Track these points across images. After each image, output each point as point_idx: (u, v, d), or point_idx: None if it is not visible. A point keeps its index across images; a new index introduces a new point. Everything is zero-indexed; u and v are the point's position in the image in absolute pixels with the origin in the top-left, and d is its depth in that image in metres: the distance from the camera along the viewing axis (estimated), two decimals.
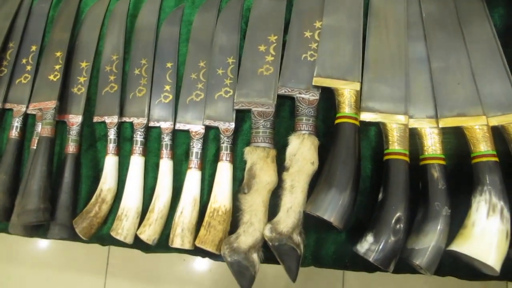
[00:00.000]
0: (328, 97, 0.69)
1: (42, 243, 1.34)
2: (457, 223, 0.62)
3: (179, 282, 1.26)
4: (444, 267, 0.65)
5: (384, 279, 1.22)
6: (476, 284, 0.78)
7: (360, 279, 1.23)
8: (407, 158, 0.64)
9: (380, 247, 0.60)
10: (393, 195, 0.62)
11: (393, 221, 0.61)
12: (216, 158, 0.70)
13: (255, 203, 0.65)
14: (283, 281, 1.18)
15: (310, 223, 0.64)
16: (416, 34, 0.71)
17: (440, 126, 0.66)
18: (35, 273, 1.32)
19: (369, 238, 0.61)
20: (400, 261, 0.61)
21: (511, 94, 0.67)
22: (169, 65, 0.75)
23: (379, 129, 0.68)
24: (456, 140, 0.68)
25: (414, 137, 0.67)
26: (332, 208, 0.61)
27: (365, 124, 0.68)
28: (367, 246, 0.61)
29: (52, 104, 0.71)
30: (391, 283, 1.22)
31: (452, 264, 0.65)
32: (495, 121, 0.66)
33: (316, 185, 0.63)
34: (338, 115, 0.66)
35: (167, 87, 0.73)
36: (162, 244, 0.68)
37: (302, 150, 0.65)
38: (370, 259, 0.60)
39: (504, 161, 0.66)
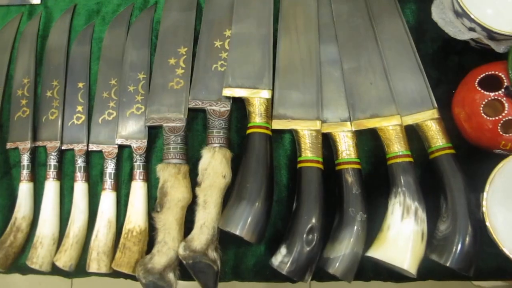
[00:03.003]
0: (241, 106, 0.68)
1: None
2: (378, 227, 0.62)
3: None
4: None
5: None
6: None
7: None
8: (320, 165, 0.63)
9: (293, 258, 0.59)
10: (306, 204, 0.61)
11: (306, 231, 0.60)
12: (131, 177, 0.68)
13: (168, 222, 0.64)
14: None
15: (229, 237, 0.63)
16: (327, 35, 0.71)
17: (353, 129, 0.65)
18: None
19: (283, 250, 0.60)
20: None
21: (424, 91, 0.67)
22: (80, 85, 0.74)
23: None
24: (373, 141, 0.67)
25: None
26: (243, 222, 0.60)
27: (280, 132, 0.68)
28: (280, 258, 0.60)
29: None
30: None
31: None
32: (409, 120, 0.66)
33: (228, 198, 0.62)
34: (249, 125, 0.65)
35: (80, 108, 0.72)
36: (82, 269, 0.67)
37: (213, 164, 0.64)
38: (284, 272, 0.59)
39: (422, 159, 0.65)
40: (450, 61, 0.71)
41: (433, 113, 0.65)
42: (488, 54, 0.64)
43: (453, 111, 0.65)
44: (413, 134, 0.66)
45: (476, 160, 0.65)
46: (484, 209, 0.58)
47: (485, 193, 0.58)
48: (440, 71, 0.70)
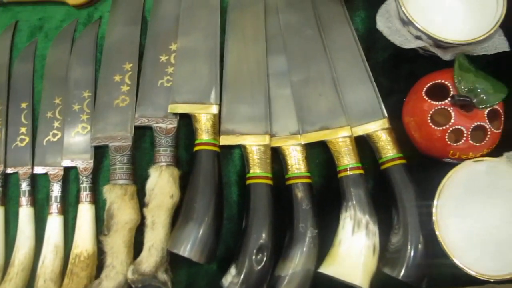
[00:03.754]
0: (189, 122, 0.67)
1: None
2: (331, 242, 0.61)
3: None
4: None
5: None
6: None
7: None
8: (269, 181, 0.63)
9: (243, 279, 0.58)
10: (255, 222, 0.60)
11: (255, 250, 0.59)
12: (78, 200, 0.66)
13: (115, 245, 0.62)
14: None
15: (180, 257, 0.61)
16: (275, 47, 0.70)
17: (303, 142, 0.64)
18: None
19: (232, 270, 0.59)
20: None
21: (375, 101, 0.66)
22: (24, 105, 0.71)
23: None
24: (324, 154, 0.66)
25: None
26: (191, 243, 0.59)
27: (229, 147, 0.66)
28: (230, 279, 0.59)
29: None
30: None
31: None
32: (359, 131, 0.65)
33: (177, 219, 0.61)
34: (196, 142, 0.64)
35: (23, 129, 0.70)
36: None
37: (161, 183, 0.63)
38: None
39: (375, 170, 0.65)
40: (401, 69, 0.70)
41: (384, 122, 0.64)
42: (439, 62, 0.64)
43: (404, 120, 0.65)
44: (366, 144, 0.65)
45: (427, 169, 0.64)
46: (434, 218, 0.57)
47: (435, 203, 0.57)
48: (392, 80, 0.69)
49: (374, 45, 0.71)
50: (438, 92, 0.61)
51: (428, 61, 0.68)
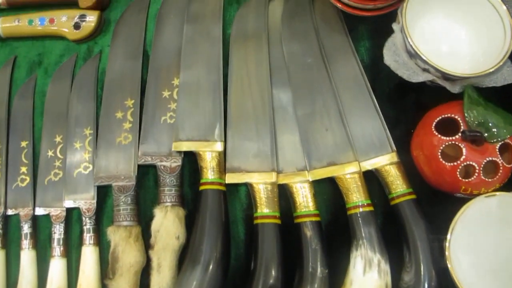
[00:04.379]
0: (194, 159, 0.65)
1: None
2: (341, 281, 0.59)
3: None
4: None
5: None
6: None
7: None
8: (277, 221, 0.61)
9: None
10: (264, 263, 0.59)
11: None
12: (82, 241, 0.65)
13: None
14: None
15: None
16: (280, 79, 0.69)
17: (310, 179, 0.63)
18: None
19: None
20: None
21: (382, 134, 0.65)
22: (24, 143, 0.70)
23: None
24: (332, 188, 0.65)
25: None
26: (199, 287, 0.57)
27: (235, 184, 0.65)
28: None
29: None
30: None
31: None
32: (368, 165, 0.64)
33: (183, 261, 0.60)
34: (201, 181, 0.63)
35: (24, 169, 0.69)
36: None
37: (166, 224, 0.61)
38: None
39: (384, 205, 0.63)
40: (408, 99, 0.69)
41: (392, 156, 0.63)
42: (446, 91, 0.63)
43: (412, 153, 0.63)
44: (374, 177, 0.64)
45: (438, 204, 0.63)
46: (447, 253, 0.56)
47: (448, 237, 0.56)
48: (398, 110, 0.68)
49: (379, 75, 0.69)
50: (447, 125, 0.60)
51: (435, 91, 0.67)
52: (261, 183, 0.62)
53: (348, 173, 0.62)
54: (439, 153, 0.58)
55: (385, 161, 0.63)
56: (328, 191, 0.66)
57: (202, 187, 0.62)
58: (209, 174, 0.62)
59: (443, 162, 0.58)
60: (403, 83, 0.68)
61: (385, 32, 0.68)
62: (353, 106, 0.66)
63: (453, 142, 0.58)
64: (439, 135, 0.59)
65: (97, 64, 0.73)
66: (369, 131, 0.65)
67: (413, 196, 0.61)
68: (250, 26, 0.72)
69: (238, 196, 0.66)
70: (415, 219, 0.60)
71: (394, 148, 0.63)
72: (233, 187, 0.66)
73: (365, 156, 0.64)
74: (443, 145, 0.58)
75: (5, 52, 0.77)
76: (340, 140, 0.64)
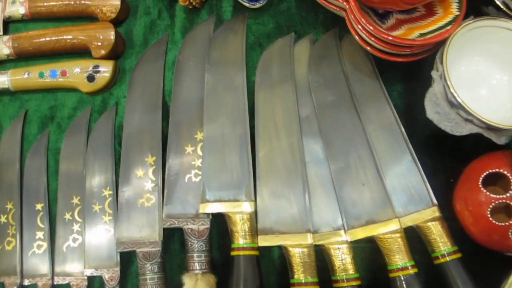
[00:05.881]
0: (222, 220, 0.61)
1: None
2: None
3: None
4: None
5: None
6: None
7: None
8: (316, 287, 0.57)
9: None
10: None
11: None
12: None
13: None
14: None
15: None
16: (310, 130, 0.65)
17: (349, 240, 0.59)
18: None
19: None
20: None
21: (421, 186, 0.61)
22: (39, 206, 0.66)
23: None
24: (371, 246, 0.61)
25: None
26: None
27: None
28: None
29: None
30: None
31: None
32: (408, 221, 0.60)
33: None
34: (232, 245, 0.59)
35: (40, 234, 0.65)
36: None
37: None
38: None
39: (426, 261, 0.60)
40: (445, 146, 0.66)
41: (433, 211, 0.59)
42: (486, 137, 0.59)
43: (455, 207, 0.60)
44: (414, 233, 0.60)
45: (486, 262, 0.59)
46: None
47: None
48: (436, 159, 0.65)
49: (414, 120, 0.66)
50: (494, 179, 0.56)
51: (475, 136, 0.63)
52: (296, 247, 0.58)
53: (389, 233, 0.58)
54: (488, 213, 0.55)
55: (426, 216, 0.59)
56: (367, 249, 0.62)
57: (233, 253, 0.59)
58: (241, 239, 0.59)
59: (493, 221, 0.55)
60: (439, 128, 0.65)
61: (418, 74, 0.65)
62: (390, 157, 0.63)
63: (504, 200, 0.54)
64: (488, 192, 0.56)
65: (113, 117, 0.70)
66: (408, 183, 0.61)
67: (458, 255, 0.58)
68: (276, 72, 0.68)
69: (270, 258, 0.63)
70: (462, 279, 0.57)
71: (435, 202, 0.60)
72: (265, 248, 0.62)
73: (404, 211, 0.60)
74: (493, 204, 0.55)
75: (15, 106, 0.73)
76: (378, 195, 0.61)
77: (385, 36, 0.58)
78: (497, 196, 0.55)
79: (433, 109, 0.58)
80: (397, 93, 0.67)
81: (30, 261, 0.64)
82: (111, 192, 0.65)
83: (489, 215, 0.55)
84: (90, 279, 0.63)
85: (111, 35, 0.70)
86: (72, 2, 0.73)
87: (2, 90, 0.72)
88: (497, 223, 0.55)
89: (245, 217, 0.60)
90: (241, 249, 0.58)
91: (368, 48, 0.62)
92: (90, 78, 0.69)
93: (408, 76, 0.68)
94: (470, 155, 0.61)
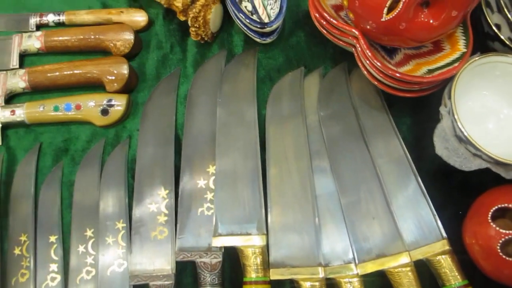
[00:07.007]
0: (234, 253, 0.62)
1: None
2: None
3: None
4: None
5: None
6: None
7: None
8: None
9: None
10: None
11: None
12: None
13: None
14: None
15: None
16: (320, 164, 0.66)
17: (360, 273, 0.60)
18: None
19: None
20: None
21: (431, 219, 0.62)
22: (53, 238, 0.67)
23: None
24: (381, 279, 0.62)
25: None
26: None
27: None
28: None
29: None
30: None
31: None
32: (418, 255, 0.61)
33: None
34: (244, 279, 0.60)
35: (54, 266, 0.66)
36: None
37: None
38: None
39: None
40: (454, 179, 0.67)
41: (443, 244, 0.60)
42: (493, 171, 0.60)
43: (465, 241, 0.61)
44: (423, 266, 0.61)
45: None
46: None
47: None
48: (444, 192, 0.66)
49: (422, 154, 0.67)
50: (502, 211, 0.57)
51: (482, 169, 0.65)
52: (308, 280, 0.59)
53: (399, 266, 0.59)
54: (498, 248, 0.56)
55: (436, 249, 0.60)
56: (378, 283, 0.63)
57: (246, 287, 0.60)
58: (253, 273, 0.60)
59: (503, 257, 0.55)
60: (448, 162, 0.66)
61: (427, 107, 0.66)
62: (399, 191, 0.64)
63: None
64: (497, 228, 0.56)
65: (127, 150, 0.71)
66: (417, 217, 0.62)
67: None
68: (286, 106, 0.70)
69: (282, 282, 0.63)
70: None
71: (445, 235, 0.60)
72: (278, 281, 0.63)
73: (414, 244, 0.61)
74: (503, 239, 0.56)
75: (30, 139, 0.74)
76: (388, 229, 0.62)
77: (393, 73, 0.60)
78: (507, 232, 0.56)
79: (442, 144, 0.60)
80: (406, 126, 0.69)
81: None
82: (124, 225, 0.66)
83: (499, 250, 0.56)
84: None
85: (125, 69, 0.72)
86: (87, 37, 0.75)
87: (17, 123, 0.73)
88: (507, 258, 0.55)
89: (257, 251, 0.60)
90: (253, 283, 0.59)
91: (377, 83, 0.64)
92: (104, 112, 0.71)
93: (417, 109, 0.69)
94: (479, 188, 0.62)
